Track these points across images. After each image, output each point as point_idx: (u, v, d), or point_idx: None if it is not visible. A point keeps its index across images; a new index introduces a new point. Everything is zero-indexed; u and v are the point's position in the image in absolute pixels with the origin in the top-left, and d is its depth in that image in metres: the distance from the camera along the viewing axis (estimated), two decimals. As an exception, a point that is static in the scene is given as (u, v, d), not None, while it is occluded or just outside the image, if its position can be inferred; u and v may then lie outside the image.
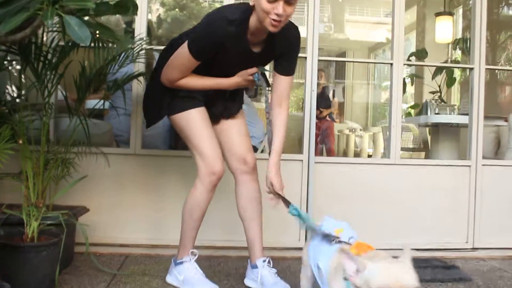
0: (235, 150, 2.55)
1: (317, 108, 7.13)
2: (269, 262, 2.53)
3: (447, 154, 4.33)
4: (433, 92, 5.82)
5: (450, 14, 5.90)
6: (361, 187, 3.45)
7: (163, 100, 2.47)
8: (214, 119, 2.55)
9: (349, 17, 10.78)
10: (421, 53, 5.96)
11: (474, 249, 3.52)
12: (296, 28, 2.36)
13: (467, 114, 3.76)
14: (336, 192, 3.42)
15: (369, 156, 7.62)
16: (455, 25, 6.58)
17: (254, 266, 2.52)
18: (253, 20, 2.19)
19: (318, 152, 7.05)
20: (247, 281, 2.56)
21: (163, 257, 3.06)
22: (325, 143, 7.33)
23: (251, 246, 2.55)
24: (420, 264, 2.39)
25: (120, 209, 3.25)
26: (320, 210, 3.36)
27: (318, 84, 7.24)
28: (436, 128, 4.57)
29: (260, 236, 2.55)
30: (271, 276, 2.46)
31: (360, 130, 8.36)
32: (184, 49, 2.25)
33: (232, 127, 2.59)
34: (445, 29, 5.82)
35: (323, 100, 7.25)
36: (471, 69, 3.64)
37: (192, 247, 2.51)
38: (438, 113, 4.47)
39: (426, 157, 5.47)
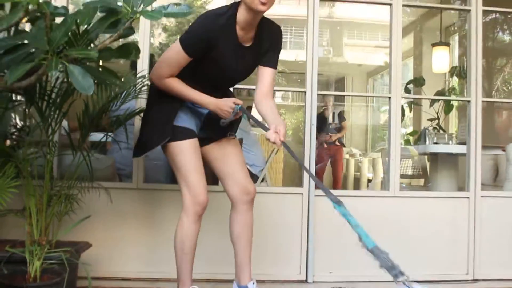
0: (237, 179, 2.59)
1: (326, 133, 7.18)
2: (254, 282, 2.60)
3: (446, 183, 4.38)
4: (431, 120, 5.88)
5: (447, 44, 6.01)
6: (361, 219, 3.46)
7: (160, 127, 2.50)
8: (207, 141, 2.62)
9: (348, 41, 10.91)
10: (418, 81, 6.05)
11: (474, 280, 3.54)
12: (275, 23, 2.53)
13: (464, 143, 3.80)
14: (336, 225, 3.43)
15: (369, 181, 7.64)
16: (452, 52, 6.67)
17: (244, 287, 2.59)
18: (241, 13, 2.32)
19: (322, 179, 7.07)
20: None
21: (165, 291, 3.09)
22: (333, 171, 7.30)
23: (241, 268, 2.61)
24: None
25: (122, 243, 3.28)
26: (320, 244, 3.39)
27: (326, 109, 7.28)
28: (435, 157, 4.61)
29: (250, 259, 2.62)
30: None
31: (360, 155, 8.42)
32: (176, 43, 2.33)
33: (232, 154, 2.64)
34: (441, 59, 5.93)
35: (331, 124, 7.30)
36: (468, 101, 3.70)
37: (190, 282, 2.53)
38: (436, 142, 4.52)
39: (425, 183, 5.51)
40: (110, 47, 1.98)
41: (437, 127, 5.73)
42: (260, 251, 3.05)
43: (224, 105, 2.42)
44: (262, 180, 4.95)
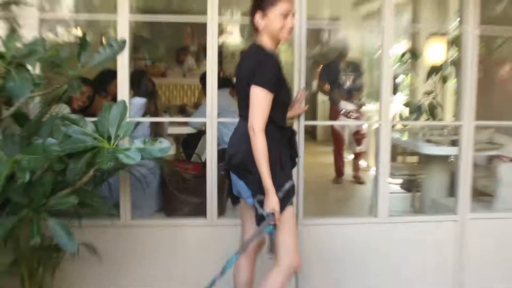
0: None
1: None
2: None
3: (438, 186, 4.53)
4: (428, 93, 5.85)
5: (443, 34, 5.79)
6: (349, 245, 3.65)
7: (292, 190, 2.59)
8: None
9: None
10: (414, 53, 5.97)
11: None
12: None
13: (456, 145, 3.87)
14: (325, 253, 3.63)
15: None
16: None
17: None
18: (267, 43, 2.58)
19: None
20: None
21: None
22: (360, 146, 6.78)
23: None
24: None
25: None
26: (308, 272, 3.57)
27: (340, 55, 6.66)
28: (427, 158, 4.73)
29: None
30: None
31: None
32: (258, 91, 2.46)
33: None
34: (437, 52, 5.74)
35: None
36: (460, 126, 3.74)
37: None
38: (429, 140, 4.59)
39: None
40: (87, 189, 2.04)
41: (434, 101, 5.71)
42: None
43: (274, 198, 2.44)
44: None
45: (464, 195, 3.76)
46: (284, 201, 2.51)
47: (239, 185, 2.65)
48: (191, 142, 5.37)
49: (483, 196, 4.38)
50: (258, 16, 2.54)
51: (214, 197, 3.55)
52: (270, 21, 2.51)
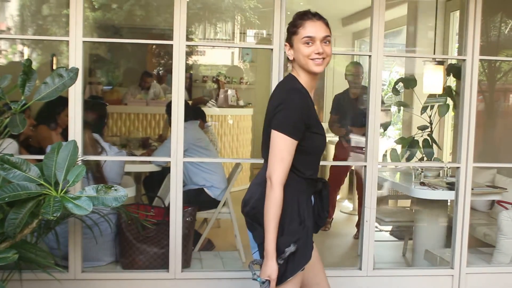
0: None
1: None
2: None
3: (432, 235, 4.59)
4: (422, 128, 5.96)
5: (441, 63, 5.94)
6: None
7: (309, 240, 2.51)
8: None
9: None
10: (409, 82, 6.08)
11: None
12: None
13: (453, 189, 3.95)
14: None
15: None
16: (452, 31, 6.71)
17: None
18: (302, 77, 2.56)
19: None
20: None
21: None
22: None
23: None
24: None
25: None
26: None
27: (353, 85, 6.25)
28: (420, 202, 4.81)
29: None
30: None
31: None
32: (278, 137, 2.39)
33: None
34: (435, 79, 5.85)
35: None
36: (458, 167, 3.84)
37: None
38: (422, 182, 4.66)
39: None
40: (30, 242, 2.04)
41: (429, 138, 5.82)
42: None
43: (272, 265, 2.37)
44: (224, 205, 5.07)
45: (460, 246, 3.82)
46: (287, 269, 2.41)
47: (249, 235, 2.60)
48: (154, 181, 5.34)
49: (484, 246, 4.47)
50: (287, 48, 2.59)
51: (178, 247, 3.56)
52: (297, 52, 2.52)
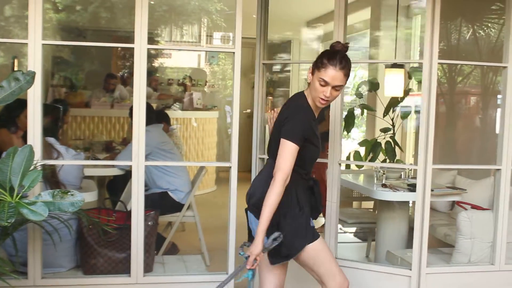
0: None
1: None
2: None
3: (393, 236, 4.66)
4: (384, 130, 6.03)
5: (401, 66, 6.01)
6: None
7: (302, 232, 2.93)
8: None
9: None
10: (372, 84, 6.17)
11: None
12: None
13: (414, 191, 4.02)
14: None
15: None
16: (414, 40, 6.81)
17: None
18: (310, 99, 2.96)
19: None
20: None
21: None
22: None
23: None
24: None
25: None
26: None
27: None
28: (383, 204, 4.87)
29: None
30: None
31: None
32: (287, 145, 2.81)
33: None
34: (396, 83, 5.92)
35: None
36: (416, 169, 3.90)
37: None
38: (384, 184, 4.73)
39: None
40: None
41: (391, 140, 5.90)
42: None
43: (257, 243, 2.71)
44: (188, 208, 5.07)
45: (420, 247, 3.87)
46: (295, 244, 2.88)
47: (256, 224, 2.87)
48: (118, 185, 5.30)
49: (445, 246, 4.55)
50: (309, 71, 2.94)
51: (140, 251, 3.55)
52: (313, 82, 2.90)
